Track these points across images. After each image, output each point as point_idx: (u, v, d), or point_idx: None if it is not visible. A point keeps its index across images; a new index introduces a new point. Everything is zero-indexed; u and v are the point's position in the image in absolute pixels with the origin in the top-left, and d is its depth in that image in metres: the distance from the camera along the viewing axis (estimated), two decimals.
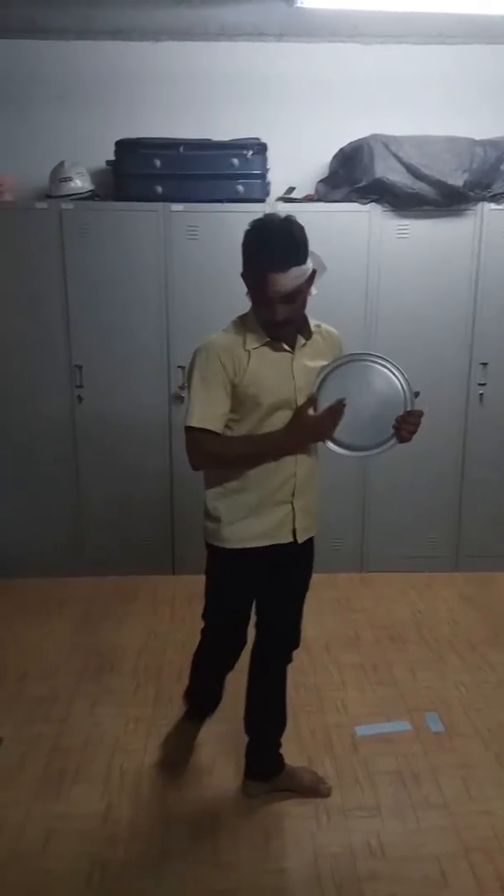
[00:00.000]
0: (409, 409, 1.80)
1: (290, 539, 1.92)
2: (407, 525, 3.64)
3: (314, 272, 1.80)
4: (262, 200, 3.30)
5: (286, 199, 3.37)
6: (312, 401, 1.77)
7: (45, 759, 2.28)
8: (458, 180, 3.20)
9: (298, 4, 2.91)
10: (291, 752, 2.24)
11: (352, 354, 1.86)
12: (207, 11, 3.19)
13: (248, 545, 1.89)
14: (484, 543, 3.67)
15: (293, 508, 1.90)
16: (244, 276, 1.79)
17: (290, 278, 1.70)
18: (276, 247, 1.70)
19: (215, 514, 1.91)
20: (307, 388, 1.81)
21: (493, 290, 3.39)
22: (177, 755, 2.21)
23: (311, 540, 2.02)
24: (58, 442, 3.48)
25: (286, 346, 1.84)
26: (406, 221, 3.32)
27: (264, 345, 1.81)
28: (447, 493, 3.62)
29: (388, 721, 2.47)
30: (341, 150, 3.40)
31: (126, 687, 2.68)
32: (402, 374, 1.82)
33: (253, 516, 1.88)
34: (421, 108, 3.54)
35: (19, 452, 3.49)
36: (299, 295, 1.76)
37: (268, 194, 3.37)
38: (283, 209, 3.25)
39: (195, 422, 1.78)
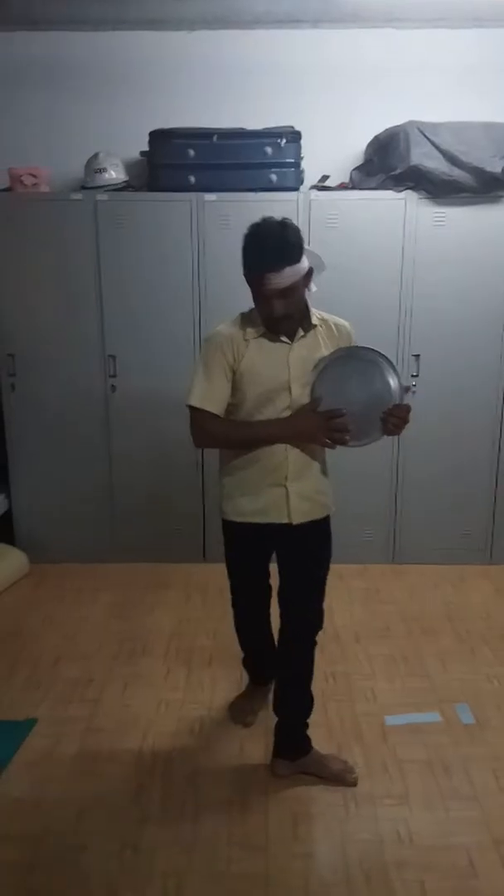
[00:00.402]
0: (397, 402, 1.88)
1: (286, 520, 2.03)
2: (440, 517, 3.61)
3: (311, 270, 1.93)
4: (295, 189, 3.28)
5: (320, 188, 3.35)
6: (316, 402, 1.90)
7: (78, 740, 2.33)
8: (496, 167, 3.14)
9: None
10: (320, 739, 2.26)
11: (347, 348, 1.96)
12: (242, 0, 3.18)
13: (242, 520, 2.07)
14: None
15: (287, 491, 2.01)
16: (245, 275, 1.91)
17: (284, 277, 1.83)
18: (269, 248, 1.84)
19: (221, 488, 2.11)
20: (302, 377, 1.94)
21: None
22: (242, 716, 2.41)
23: (320, 525, 2.10)
24: (92, 431, 3.53)
25: (284, 338, 1.96)
26: (443, 209, 3.27)
27: (262, 335, 1.95)
28: (481, 484, 3.57)
29: (418, 711, 2.46)
30: (376, 138, 3.37)
31: (158, 670, 2.72)
32: (394, 368, 1.91)
33: (249, 494, 2.04)
34: (458, 94, 3.48)
35: (56, 442, 3.55)
36: (295, 291, 1.88)
37: (301, 183, 3.35)
38: (317, 198, 3.26)
39: (194, 401, 1.95)
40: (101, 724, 2.41)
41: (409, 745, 2.29)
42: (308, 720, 2.19)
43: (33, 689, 2.61)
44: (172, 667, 2.75)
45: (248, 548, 2.15)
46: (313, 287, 1.98)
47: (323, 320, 2.04)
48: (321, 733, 2.31)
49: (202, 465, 3.55)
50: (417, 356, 3.40)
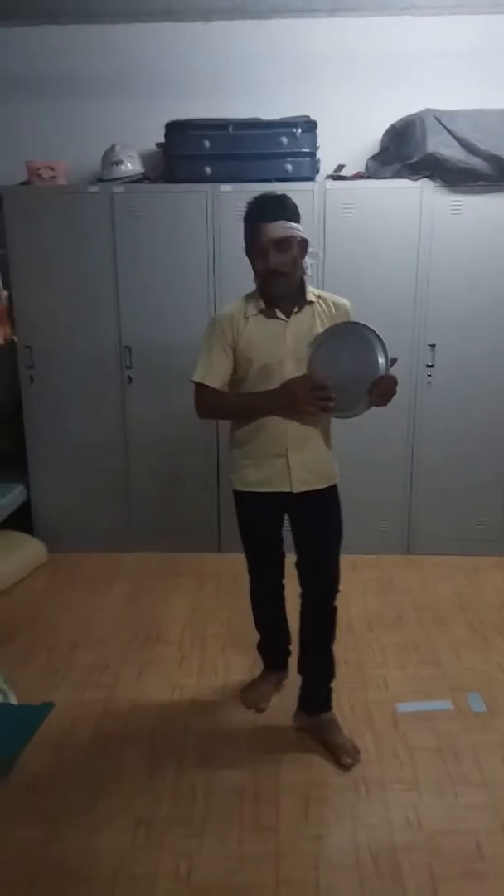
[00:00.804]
0: (382, 374, 1.97)
1: (288, 488, 2.15)
2: (454, 507, 3.60)
3: (306, 242, 2.07)
4: (311, 179, 3.29)
5: (336, 177, 3.34)
6: (307, 376, 1.99)
7: (94, 723, 2.38)
8: None
9: None
10: None
11: (341, 324, 2.06)
12: None
13: (249, 489, 2.21)
14: None
15: (288, 461, 2.13)
16: (247, 249, 2.08)
17: (280, 227, 2.00)
18: (268, 203, 2.03)
19: (230, 460, 2.25)
20: (297, 352, 2.06)
21: None
22: (255, 701, 2.45)
23: (326, 493, 2.20)
24: (109, 423, 3.58)
25: (280, 314, 2.09)
26: (459, 197, 3.25)
27: (261, 312, 2.10)
28: (496, 474, 3.56)
29: (429, 700, 2.48)
30: (392, 126, 3.35)
31: (172, 657, 2.76)
32: (382, 342, 1.98)
33: (253, 465, 2.18)
34: (474, 82, 3.45)
35: (73, 433, 3.60)
36: (290, 248, 2.02)
37: (317, 172, 3.35)
38: (333, 187, 3.26)
39: (197, 377, 2.12)
40: (116, 708, 2.46)
41: (419, 733, 2.31)
42: (331, 683, 2.30)
43: (50, 674, 2.67)
44: (186, 653, 2.79)
45: (256, 516, 2.27)
46: (309, 260, 2.17)
47: (321, 297, 2.15)
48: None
49: (218, 457, 3.58)
50: (433, 346, 3.39)
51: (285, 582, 2.41)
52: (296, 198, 2.08)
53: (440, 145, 3.13)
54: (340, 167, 3.38)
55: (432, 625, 2.99)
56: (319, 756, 2.21)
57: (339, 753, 2.18)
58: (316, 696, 2.31)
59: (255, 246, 2.03)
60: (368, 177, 3.37)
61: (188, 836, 1.91)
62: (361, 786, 2.08)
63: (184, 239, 3.34)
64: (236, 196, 3.23)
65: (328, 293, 2.19)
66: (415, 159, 3.18)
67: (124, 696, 2.52)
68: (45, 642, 2.89)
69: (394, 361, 1.98)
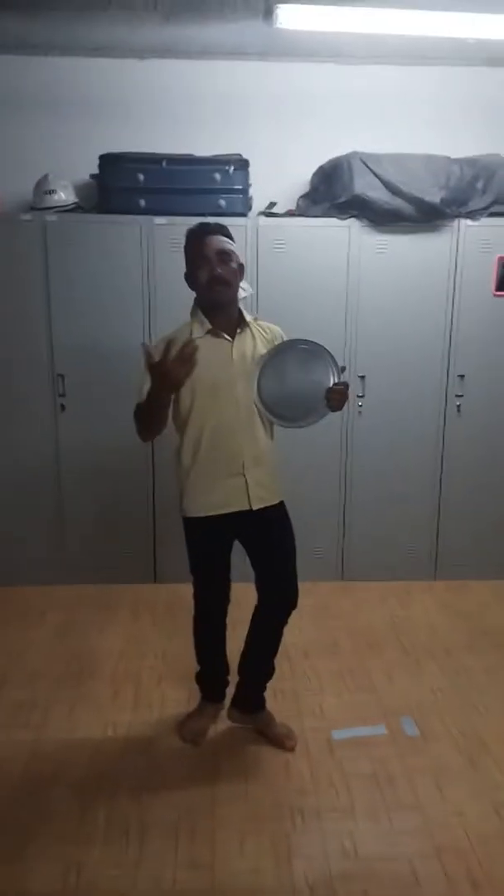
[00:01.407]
0: (336, 381, 2.15)
1: (247, 507, 2.21)
2: (386, 534, 3.69)
3: (243, 266, 2.22)
4: (244, 215, 3.37)
5: (268, 214, 3.44)
6: (149, 350, 1.99)
7: (23, 764, 2.29)
8: (435, 197, 3.28)
9: (278, 25, 2.99)
10: (268, 754, 2.30)
11: (286, 342, 2.23)
12: (190, 31, 3.27)
13: (204, 514, 2.22)
14: (462, 552, 3.72)
15: (245, 479, 2.20)
16: (188, 270, 2.19)
17: (221, 241, 2.15)
18: (208, 224, 2.20)
19: (182, 488, 2.26)
20: (245, 371, 2.17)
21: (469, 303, 3.47)
22: (191, 735, 2.44)
23: (280, 508, 2.30)
24: (41, 451, 3.50)
25: (226, 336, 2.18)
26: (385, 237, 3.40)
27: (208, 332, 2.17)
28: (426, 502, 3.68)
29: (364, 725, 2.50)
30: (321, 167, 3.48)
31: (105, 692, 2.70)
32: (331, 354, 2.16)
33: (209, 488, 2.21)
34: (400, 127, 3.63)
35: (3, 461, 3.51)
36: (231, 259, 2.15)
37: (249, 209, 3.44)
38: (265, 224, 3.35)
39: (136, 399, 2.12)
40: (45, 748, 2.37)
41: (354, 759, 2.32)
42: (267, 684, 2.41)
43: None
44: (120, 688, 2.73)
45: (210, 542, 2.28)
46: (246, 286, 2.34)
47: (255, 321, 2.28)
48: (270, 748, 2.36)
49: (153, 488, 3.56)
50: (363, 377, 3.50)
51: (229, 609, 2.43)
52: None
53: (367, 187, 3.27)
54: (272, 204, 3.48)
55: (367, 650, 3.03)
56: (256, 786, 2.19)
57: (281, 740, 2.36)
58: (254, 697, 2.41)
59: (198, 258, 2.13)
60: (300, 215, 3.48)
61: (121, 877, 1.85)
62: (297, 816, 2.07)
63: (118, 269, 3.35)
64: (170, 229, 3.28)
65: (264, 320, 2.33)
66: (343, 199, 3.30)
67: (54, 735, 2.44)
68: None
69: (343, 369, 2.16)
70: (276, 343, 2.24)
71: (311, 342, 2.17)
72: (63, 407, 3.46)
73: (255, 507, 2.21)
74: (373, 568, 3.71)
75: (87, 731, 2.46)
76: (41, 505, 3.56)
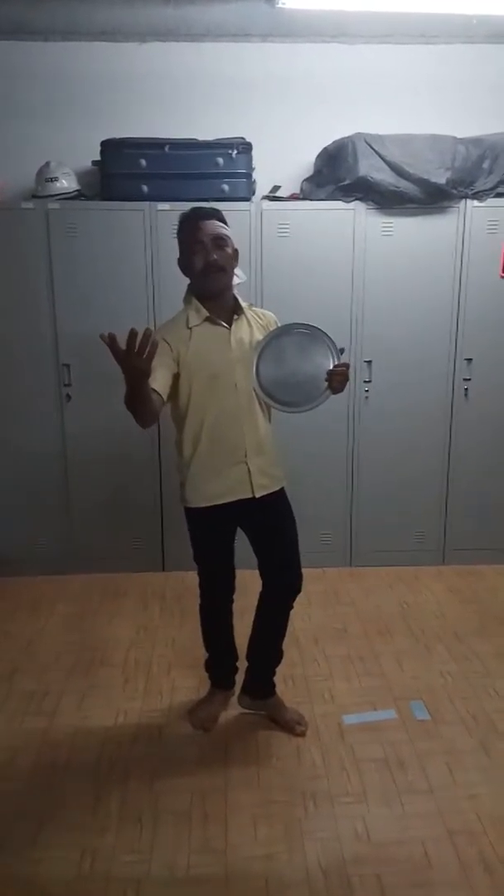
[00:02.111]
0: (336, 363, 2.10)
1: (250, 495, 2.18)
2: (395, 520, 3.68)
3: (237, 252, 2.16)
4: (247, 199, 3.33)
5: (271, 198, 3.40)
6: (112, 337, 1.86)
7: (35, 752, 2.30)
8: (441, 178, 3.24)
9: (280, 5, 2.95)
10: (279, 739, 2.31)
11: (282, 326, 2.18)
12: (192, 12, 3.23)
13: (208, 504, 2.19)
14: (471, 537, 3.71)
15: (248, 467, 2.18)
16: (182, 255, 2.14)
17: (216, 225, 2.10)
18: (202, 209, 2.15)
19: (181, 479, 2.24)
20: (243, 358, 2.13)
21: (476, 285, 3.43)
22: (201, 721, 2.44)
23: (281, 495, 2.27)
24: (47, 441, 3.50)
25: (223, 323, 2.14)
26: (390, 219, 3.36)
27: (205, 321, 2.12)
28: (434, 487, 3.66)
29: (374, 710, 2.50)
30: (325, 149, 3.44)
31: (116, 680, 2.71)
32: (329, 336, 2.12)
33: (212, 477, 2.18)
34: (404, 107, 3.58)
35: (9, 453, 3.51)
36: (226, 245, 2.10)
37: (253, 193, 3.40)
38: (269, 208, 3.32)
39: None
40: (57, 736, 2.38)
41: (366, 744, 2.33)
42: (276, 669, 2.40)
43: None
44: (131, 676, 2.74)
45: (212, 531, 2.26)
46: (240, 272, 2.28)
47: (249, 307, 2.25)
48: (279, 733, 2.36)
49: (160, 476, 3.55)
50: (369, 362, 3.47)
51: (235, 597, 2.43)
52: (233, 217, 2.16)
53: (371, 169, 3.23)
54: (276, 188, 3.45)
55: (376, 635, 3.03)
56: (267, 772, 2.20)
57: (291, 726, 2.36)
58: (264, 683, 2.40)
59: (192, 243, 2.08)
60: (304, 198, 3.44)
61: (135, 863, 1.86)
62: (310, 801, 2.08)
63: (121, 256, 3.32)
64: (174, 215, 3.19)
65: (261, 308, 2.31)
66: (347, 182, 3.27)
67: (66, 723, 2.45)
68: None
69: (342, 351, 2.10)
70: (270, 328, 2.22)
71: (308, 325, 2.13)
72: (69, 397, 3.45)
73: (258, 495, 2.20)
74: (381, 554, 3.70)
75: (98, 719, 2.46)
76: (48, 495, 3.57)
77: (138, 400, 1.97)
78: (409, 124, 3.42)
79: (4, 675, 2.75)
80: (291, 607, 2.33)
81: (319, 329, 2.13)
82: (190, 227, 2.11)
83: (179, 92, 3.55)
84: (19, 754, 2.29)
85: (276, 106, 3.58)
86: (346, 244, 3.36)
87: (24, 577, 3.58)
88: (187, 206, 3.17)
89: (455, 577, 3.60)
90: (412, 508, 3.68)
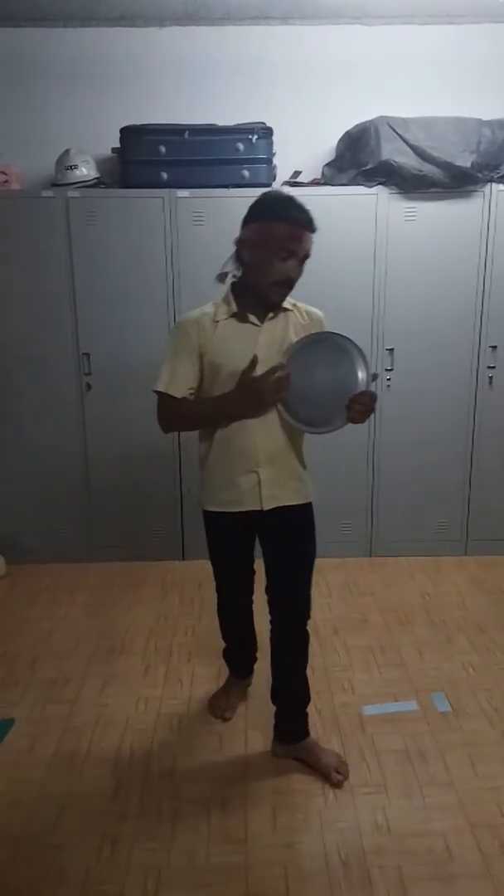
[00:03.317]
0: (363, 389, 1.85)
1: (258, 507, 2.01)
2: (416, 510, 3.64)
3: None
4: (268, 185, 3.29)
5: (292, 184, 3.36)
6: (254, 363, 1.83)
7: (56, 740, 2.32)
8: (465, 161, 3.17)
9: None
10: None
11: (318, 333, 1.94)
12: None
13: (220, 509, 2.07)
14: (494, 527, 3.66)
15: (259, 477, 1.99)
16: (252, 246, 1.86)
17: (311, 242, 1.87)
18: (305, 213, 1.85)
19: (201, 480, 2.11)
20: (270, 360, 1.88)
21: (502, 271, 3.36)
22: (221, 710, 2.41)
23: (298, 511, 2.06)
24: (67, 430, 3.51)
25: (254, 319, 1.94)
26: (414, 204, 3.30)
27: (232, 316, 1.94)
28: (456, 477, 3.61)
29: (395, 701, 2.49)
30: (347, 133, 3.38)
31: (136, 668, 2.72)
32: (363, 355, 1.87)
33: (225, 483, 2.03)
34: (427, 89, 3.51)
35: (30, 441, 3.53)
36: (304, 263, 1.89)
37: (274, 179, 3.36)
38: (291, 193, 3.26)
39: (160, 386, 1.94)
40: (78, 723, 2.40)
41: (386, 735, 2.31)
42: (305, 708, 2.22)
43: (10, 689, 2.59)
44: (151, 664, 2.75)
45: (227, 537, 2.15)
46: None
47: (295, 306, 2.02)
48: None
49: (179, 464, 3.55)
50: (391, 350, 3.43)
51: (254, 587, 2.38)
52: None
53: (394, 153, 3.17)
54: (297, 173, 3.40)
55: (397, 626, 3.00)
56: (287, 761, 2.19)
57: (328, 772, 2.11)
58: (293, 726, 2.21)
59: (281, 247, 1.82)
60: (325, 183, 3.39)
61: (155, 851, 1.87)
62: (329, 791, 2.07)
63: (141, 244, 3.31)
64: (193, 202, 3.23)
65: (302, 303, 2.05)
66: (370, 166, 3.21)
67: (87, 710, 2.46)
68: (4, 657, 2.81)
69: (375, 377, 1.86)
70: (311, 332, 1.96)
71: (346, 337, 1.88)
72: (89, 386, 3.45)
73: (266, 508, 2.01)
74: (402, 543, 3.67)
75: (119, 707, 2.48)
76: (69, 482, 3.58)
77: (204, 421, 1.97)
78: (432, 107, 3.36)
79: (26, 662, 2.78)
80: (302, 639, 2.16)
81: (356, 345, 1.87)
82: (288, 229, 1.81)
83: (199, 77, 3.51)
84: (40, 741, 2.31)
85: (297, 90, 3.52)
86: (369, 230, 3.31)
87: (45, 564, 3.61)
88: (207, 192, 3.22)
89: (477, 567, 3.56)
90: (434, 498, 3.64)
